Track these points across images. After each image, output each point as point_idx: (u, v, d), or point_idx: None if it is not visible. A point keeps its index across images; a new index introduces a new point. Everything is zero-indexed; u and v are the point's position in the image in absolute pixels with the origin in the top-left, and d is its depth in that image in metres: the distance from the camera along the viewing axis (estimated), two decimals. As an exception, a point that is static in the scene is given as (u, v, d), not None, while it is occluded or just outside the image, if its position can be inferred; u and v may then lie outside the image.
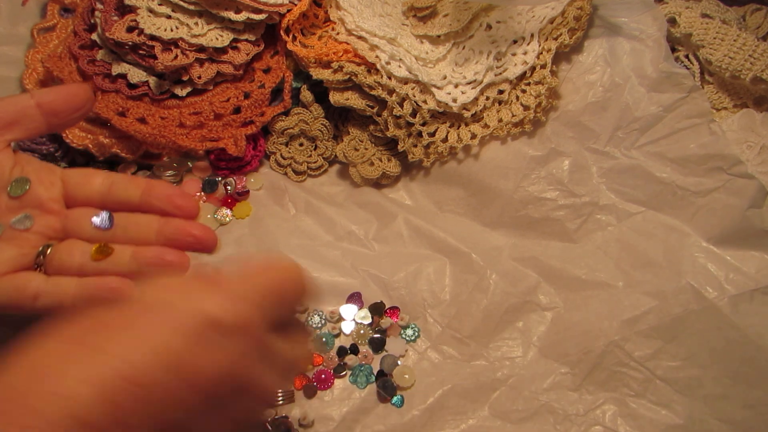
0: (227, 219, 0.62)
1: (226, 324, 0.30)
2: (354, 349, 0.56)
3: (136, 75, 0.61)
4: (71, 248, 0.48)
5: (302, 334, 0.39)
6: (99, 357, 0.29)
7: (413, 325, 0.57)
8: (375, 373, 0.55)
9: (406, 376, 0.54)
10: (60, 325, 0.30)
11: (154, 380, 0.28)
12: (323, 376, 0.54)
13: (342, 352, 0.56)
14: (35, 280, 0.47)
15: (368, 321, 0.57)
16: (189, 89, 0.62)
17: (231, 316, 0.30)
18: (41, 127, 0.48)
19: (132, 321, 0.30)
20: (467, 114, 0.62)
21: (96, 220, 0.49)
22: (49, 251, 0.48)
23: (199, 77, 0.61)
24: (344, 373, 0.55)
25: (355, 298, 0.58)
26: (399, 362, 0.55)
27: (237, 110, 0.63)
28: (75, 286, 0.46)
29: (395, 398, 0.54)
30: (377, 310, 0.58)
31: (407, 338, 0.57)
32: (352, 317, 0.57)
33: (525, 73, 0.62)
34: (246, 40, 0.63)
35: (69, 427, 0.27)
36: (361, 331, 0.57)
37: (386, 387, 0.54)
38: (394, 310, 0.58)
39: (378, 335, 0.57)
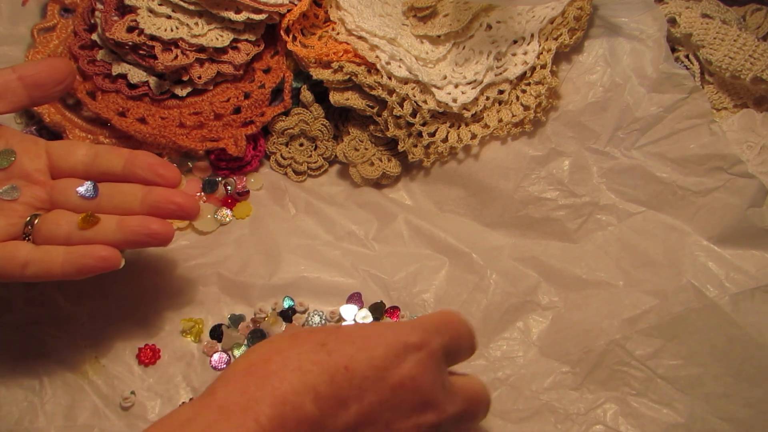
0: (227, 219, 0.62)
1: (413, 342, 0.39)
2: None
3: (136, 75, 0.61)
4: (58, 218, 0.49)
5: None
6: (325, 351, 0.37)
7: None
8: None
9: None
10: (307, 330, 0.41)
11: (364, 374, 0.37)
12: None
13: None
14: (24, 249, 0.48)
15: (369, 321, 0.57)
16: (189, 89, 0.62)
17: (416, 338, 0.40)
18: (24, 100, 0.49)
19: (357, 335, 0.39)
20: (467, 114, 0.62)
21: (81, 189, 0.49)
22: (36, 221, 0.49)
23: (199, 77, 0.61)
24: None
25: (355, 298, 0.58)
26: None
27: (237, 110, 0.63)
28: (63, 255, 0.48)
29: None
30: (377, 310, 0.57)
31: None
32: (352, 317, 0.57)
33: (525, 73, 0.62)
34: (246, 40, 0.63)
35: (303, 392, 0.35)
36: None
37: None
38: (395, 310, 0.58)
39: None
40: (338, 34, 0.64)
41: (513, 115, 0.62)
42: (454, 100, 0.61)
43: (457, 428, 0.43)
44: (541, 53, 0.62)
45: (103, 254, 0.47)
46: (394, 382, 0.38)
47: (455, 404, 0.41)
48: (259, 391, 0.35)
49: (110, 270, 0.48)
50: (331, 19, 0.65)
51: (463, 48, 0.63)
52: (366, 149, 0.64)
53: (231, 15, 0.61)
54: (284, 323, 0.57)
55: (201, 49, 0.61)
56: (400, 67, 0.61)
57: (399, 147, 0.62)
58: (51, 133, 0.62)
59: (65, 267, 0.47)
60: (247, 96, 0.63)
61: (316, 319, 0.57)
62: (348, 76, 0.61)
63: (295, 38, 0.63)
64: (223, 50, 0.62)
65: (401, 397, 0.38)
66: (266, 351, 0.38)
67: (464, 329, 0.44)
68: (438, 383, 0.40)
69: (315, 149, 0.65)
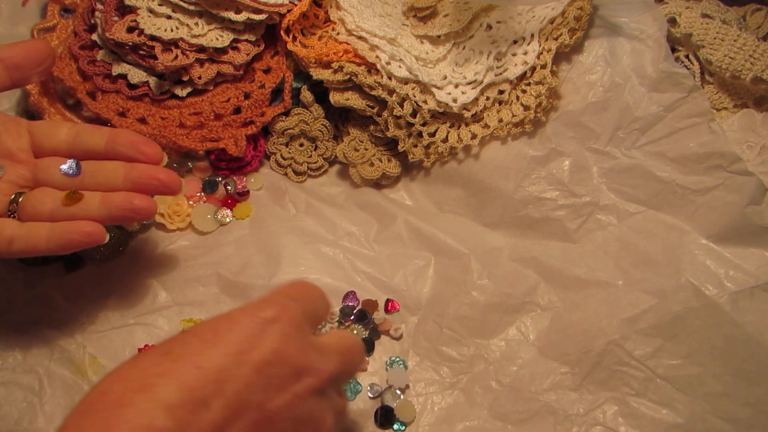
0: (227, 219, 0.62)
1: (269, 316, 0.38)
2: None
3: (136, 75, 0.62)
4: (42, 195, 0.49)
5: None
6: (169, 360, 0.35)
7: (399, 360, 0.56)
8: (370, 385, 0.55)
9: (408, 411, 0.53)
10: (158, 345, 0.38)
11: (219, 367, 0.35)
12: None
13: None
14: (9, 226, 0.48)
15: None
16: (189, 89, 0.62)
17: (272, 311, 0.38)
18: (5, 81, 0.50)
19: (203, 331, 0.37)
20: (467, 114, 0.62)
21: (64, 167, 0.50)
22: (21, 199, 0.49)
23: (200, 77, 0.61)
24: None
25: (350, 297, 0.58)
26: (399, 392, 0.54)
27: (237, 110, 0.63)
28: (48, 231, 0.48)
29: (396, 424, 0.53)
30: (370, 306, 0.58)
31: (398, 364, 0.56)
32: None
33: (525, 73, 0.62)
34: (246, 41, 0.63)
35: (152, 410, 0.33)
36: (355, 332, 0.57)
37: (388, 419, 0.53)
38: (391, 302, 0.58)
39: (368, 336, 0.57)
40: (338, 34, 0.64)
41: (513, 115, 0.62)
42: (454, 100, 0.61)
43: (340, 384, 0.43)
44: (541, 53, 0.62)
45: (87, 229, 0.48)
46: (257, 361, 0.36)
47: (331, 361, 0.40)
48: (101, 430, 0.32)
49: (95, 245, 0.49)
50: (331, 19, 0.65)
51: (463, 48, 0.63)
52: (366, 149, 0.64)
53: (231, 15, 0.61)
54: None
55: (201, 49, 0.61)
56: (400, 67, 0.61)
57: (399, 147, 0.62)
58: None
59: (50, 242, 0.48)
60: (247, 96, 0.63)
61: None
62: (348, 76, 0.61)
63: (295, 38, 0.63)
64: (223, 50, 0.62)
65: (270, 374, 0.36)
66: (105, 384, 0.35)
67: (316, 292, 0.43)
68: (306, 348, 0.39)
69: (315, 149, 0.65)
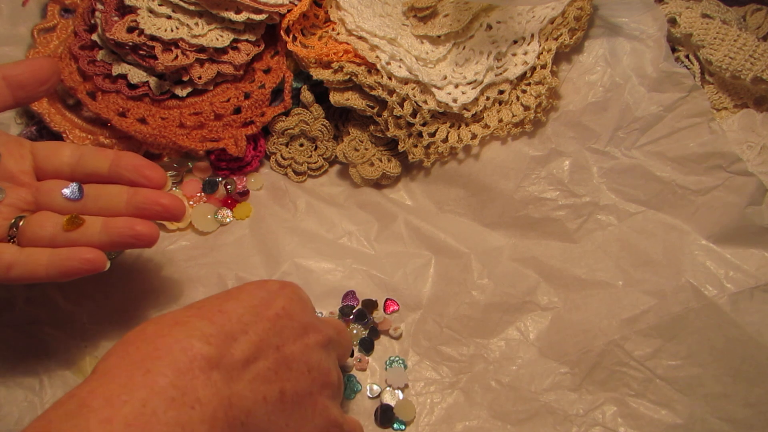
0: (227, 219, 0.62)
1: (276, 287, 0.45)
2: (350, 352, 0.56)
3: (136, 75, 0.62)
4: (43, 220, 0.49)
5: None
6: (206, 319, 0.39)
7: (399, 359, 0.57)
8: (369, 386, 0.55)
9: (407, 411, 0.54)
10: (179, 309, 0.41)
11: (241, 315, 0.41)
12: None
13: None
14: (8, 252, 0.47)
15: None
16: (189, 89, 0.62)
17: (277, 284, 0.45)
18: (8, 100, 0.49)
19: (225, 298, 0.43)
20: (467, 114, 0.62)
21: (66, 191, 0.49)
22: (21, 223, 0.48)
23: (200, 77, 0.61)
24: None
25: (350, 296, 0.58)
26: (398, 392, 0.54)
27: (237, 110, 0.63)
28: (47, 257, 0.47)
29: (396, 424, 0.53)
30: (369, 306, 0.58)
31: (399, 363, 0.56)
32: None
33: (525, 73, 0.62)
34: (246, 41, 0.63)
35: (193, 338, 0.37)
36: (354, 332, 0.57)
37: (387, 419, 0.53)
38: (390, 301, 0.58)
39: (368, 336, 0.57)
40: (338, 34, 0.64)
41: (513, 115, 0.62)
42: (455, 101, 0.61)
43: (338, 353, 0.48)
44: (542, 53, 0.62)
45: (87, 256, 0.47)
46: (271, 315, 0.42)
47: (329, 327, 0.47)
48: (149, 357, 0.36)
49: (95, 272, 0.48)
50: (331, 19, 0.65)
51: (464, 48, 0.63)
52: (366, 149, 0.64)
53: (231, 15, 0.61)
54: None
55: (201, 49, 0.61)
56: (400, 67, 0.61)
57: (399, 147, 0.62)
58: (51, 133, 0.62)
59: (50, 269, 0.47)
60: (247, 96, 0.63)
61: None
62: (348, 76, 0.61)
63: (295, 38, 0.63)
64: (223, 50, 0.62)
65: (282, 324, 0.42)
66: (137, 330, 0.39)
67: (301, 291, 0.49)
68: (308, 313, 0.45)
69: (315, 149, 0.65)
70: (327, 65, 0.62)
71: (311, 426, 0.43)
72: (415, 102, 0.61)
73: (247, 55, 0.63)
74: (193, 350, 0.37)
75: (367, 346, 0.56)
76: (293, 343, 0.42)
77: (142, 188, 0.50)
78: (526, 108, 0.61)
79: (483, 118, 0.62)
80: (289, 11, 0.63)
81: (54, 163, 0.50)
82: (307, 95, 0.63)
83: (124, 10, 0.62)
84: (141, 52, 0.61)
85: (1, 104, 0.49)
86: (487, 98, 0.62)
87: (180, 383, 0.35)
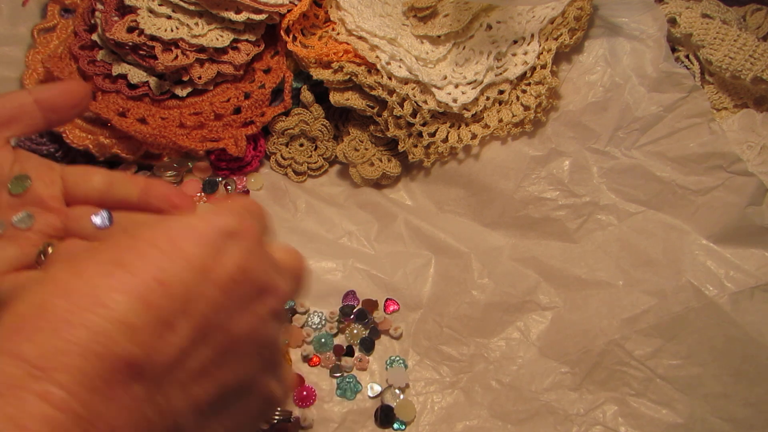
0: (227, 219, 0.62)
1: (232, 229, 0.33)
2: (350, 351, 0.56)
3: (136, 75, 0.62)
4: (72, 247, 0.48)
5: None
6: (133, 269, 0.30)
7: (399, 359, 0.57)
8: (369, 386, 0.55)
9: (408, 411, 0.54)
10: (86, 253, 0.32)
11: (185, 281, 0.30)
12: (305, 393, 0.54)
13: (338, 351, 0.56)
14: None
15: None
16: (189, 89, 0.62)
17: (234, 223, 0.34)
18: (39, 123, 0.48)
19: (158, 238, 0.32)
20: (467, 114, 0.62)
21: (96, 219, 0.48)
22: (50, 250, 0.48)
23: (200, 77, 0.61)
24: (339, 374, 0.55)
25: (350, 296, 0.58)
26: (399, 392, 0.54)
27: (237, 110, 0.63)
28: None
29: (396, 424, 0.53)
30: (370, 306, 0.58)
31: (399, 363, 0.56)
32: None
33: (525, 73, 0.62)
34: (246, 41, 0.63)
35: (112, 332, 0.28)
36: (355, 331, 0.57)
37: (388, 419, 0.53)
38: (390, 301, 0.58)
39: (368, 336, 0.57)
40: (338, 34, 0.64)
41: (513, 115, 0.62)
42: (455, 101, 0.61)
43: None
44: (542, 53, 0.62)
45: None
46: (223, 279, 0.32)
47: (288, 280, 0.37)
48: (43, 355, 0.27)
49: None
50: (331, 19, 0.65)
51: (464, 48, 0.63)
52: (366, 149, 0.64)
53: (231, 15, 0.61)
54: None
55: (201, 49, 0.61)
56: (400, 67, 0.61)
57: (399, 147, 0.62)
58: (51, 134, 0.62)
59: None
60: (247, 96, 0.63)
61: (316, 319, 0.57)
62: (348, 76, 0.61)
63: (295, 38, 0.63)
64: (223, 50, 0.62)
65: (234, 292, 0.33)
66: (43, 296, 0.29)
67: (262, 209, 0.39)
68: (268, 265, 0.35)
69: (315, 149, 0.65)
70: (327, 65, 0.62)
71: (248, 417, 0.35)
72: (415, 102, 0.61)
73: (247, 55, 0.63)
74: (114, 353, 0.27)
75: (367, 346, 0.56)
76: (244, 317, 0.33)
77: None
78: (526, 108, 0.61)
79: (483, 118, 0.62)
80: (289, 11, 0.62)
81: (83, 189, 0.49)
82: (307, 95, 0.63)
83: (124, 10, 0.62)
84: (141, 52, 0.61)
85: (32, 127, 0.48)
86: (487, 98, 0.62)
87: (86, 407, 0.26)
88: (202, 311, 0.31)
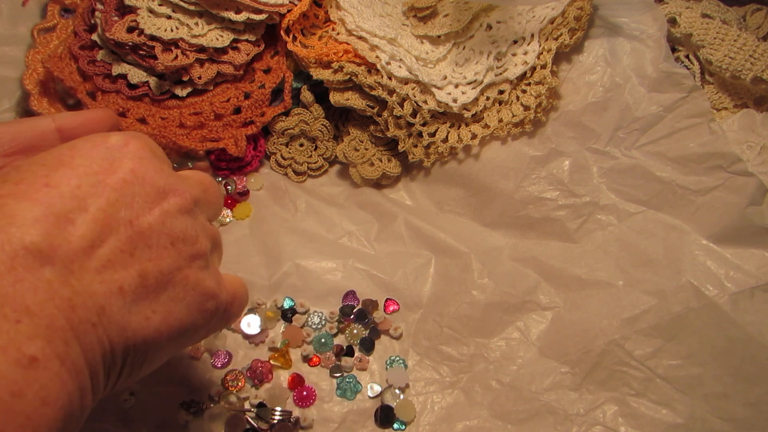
0: (227, 219, 0.62)
1: (117, 143, 0.36)
2: (350, 351, 0.56)
3: (136, 75, 0.62)
4: None
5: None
6: (22, 182, 0.33)
7: (399, 359, 0.57)
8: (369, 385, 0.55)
9: (408, 411, 0.54)
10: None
11: (72, 185, 0.33)
12: (305, 393, 0.54)
13: (338, 351, 0.56)
14: None
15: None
16: (189, 89, 0.62)
17: (118, 138, 0.37)
18: None
19: (46, 158, 0.35)
20: (467, 114, 0.62)
21: None
22: None
23: (200, 77, 0.61)
24: (339, 374, 0.55)
25: (350, 296, 0.58)
26: (399, 392, 0.54)
27: (237, 110, 0.63)
28: None
29: (396, 424, 0.53)
30: (370, 306, 0.58)
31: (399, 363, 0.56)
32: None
33: (525, 73, 0.62)
34: (246, 41, 0.63)
35: (6, 226, 0.30)
36: (354, 331, 0.57)
37: (388, 419, 0.53)
38: (390, 301, 0.58)
39: (368, 336, 0.57)
40: (338, 34, 0.64)
41: (513, 115, 0.62)
42: (455, 101, 0.61)
43: (207, 213, 0.42)
44: (542, 53, 0.62)
45: None
46: (116, 181, 0.35)
47: (191, 185, 0.39)
48: None
49: None
50: (331, 19, 0.65)
51: (464, 48, 0.63)
52: (366, 149, 0.64)
53: (231, 15, 0.61)
54: (284, 322, 0.57)
55: (201, 49, 0.61)
56: (400, 67, 0.61)
57: (399, 147, 0.62)
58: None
59: None
60: (247, 96, 0.63)
61: (316, 319, 0.57)
62: (348, 76, 0.61)
63: (295, 38, 0.63)
64: (223, 50, 0.62)
65: (131, 191, 0.35)
66: None
67: (209, 179, 0.43)
68: (164, 171, 0.37)
69: (315, 149, 0.65)
70: (327, 65, 0.62)
71: (182, 306, 0.37)
72: (415, 102, 0.61)
73: (247, 55, 0.63)
74: (12, 244, 0.29)
75: (367, 346, 0.56)
76: (149, 213, 0.35)
77: None
78: (526, 108, 0.61)
79: (483, 118, 0.62)
80: (289, 11, 0.62)
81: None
82: (307, 95, 0.63)
83: (124, 10, 0.62)
84: (141, 52, 0.61)
85: None
86: (487, 98, 0.62)
87: None
88: (100, 207, 0.33)
